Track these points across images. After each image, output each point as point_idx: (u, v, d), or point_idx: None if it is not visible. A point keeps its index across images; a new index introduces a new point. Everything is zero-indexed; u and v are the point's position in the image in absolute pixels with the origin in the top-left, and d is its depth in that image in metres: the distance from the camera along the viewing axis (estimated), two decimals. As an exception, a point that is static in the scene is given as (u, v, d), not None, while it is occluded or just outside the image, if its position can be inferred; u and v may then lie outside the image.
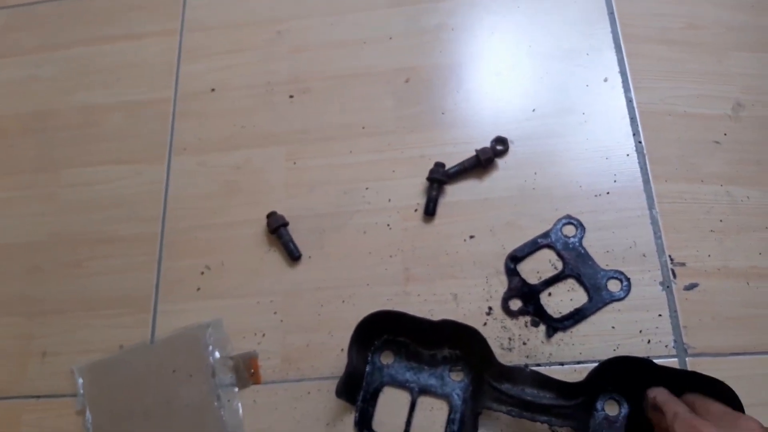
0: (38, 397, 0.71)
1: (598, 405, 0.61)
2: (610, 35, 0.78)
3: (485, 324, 0.67)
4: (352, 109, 0.80)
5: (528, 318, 0.66)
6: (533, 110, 0.76)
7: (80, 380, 0.70)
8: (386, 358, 0.67)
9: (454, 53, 0.81)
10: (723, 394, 0.55)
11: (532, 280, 0.68)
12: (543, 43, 0.79)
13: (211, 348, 0.69)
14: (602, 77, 0.77)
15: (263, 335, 0.70)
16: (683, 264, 0.67)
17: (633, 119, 0.74)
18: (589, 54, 0.78)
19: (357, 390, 0.65)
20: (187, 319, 0.72)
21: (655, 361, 0.58)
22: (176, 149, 0.81)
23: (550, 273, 0.68)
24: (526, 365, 0.64)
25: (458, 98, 0.78)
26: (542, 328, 0.66)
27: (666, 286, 0.66)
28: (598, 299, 0.66)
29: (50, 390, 0.71)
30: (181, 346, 0.70)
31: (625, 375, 0.59)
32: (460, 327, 0.62)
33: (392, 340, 0.67)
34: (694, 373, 0.57)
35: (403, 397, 0.65)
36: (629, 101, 0.75)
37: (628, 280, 0.66)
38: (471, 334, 0.62)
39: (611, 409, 0.61)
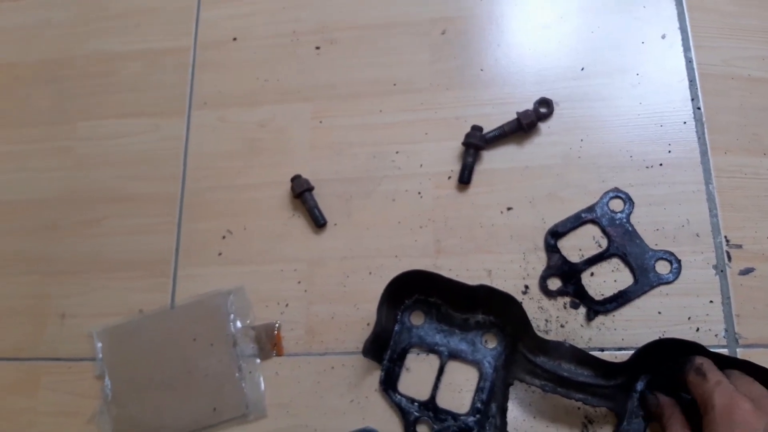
0: (57, 359, 0.70)
1: (638, 386, 0.59)
2: (671, -16, 0.71)
3: (521, 303, 0.63)
4: (382, 63, 0.75)
5: (567, 299, 0.63)
6: (582, 69, 0.71)
7: (99, 344, 0.69)
8: (416, 319, 0.65)
9: (495, 2, 0.75)
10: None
11: (574, 258, 0.64)
12: (596, -8, 0.73)
13: (232, 316, 0.67)
14: (660, 33, 0.70)
15: (286, 305, 0.67)
16: (740, 246, 0.62)
17: (692, 82, 0.68)
18: (646, 6, 0.72)
19: (384, 349, 0.63)
20: (207, 285, 0.70)
21: (704, 350, 0.55)
22: (196, 103, 0.77)
23: (593, 251, 0.64)
24: (565, 340, 0.61)
25: (499, 53, 0.73)
26: (582, 310, 0.62)
27: (720, 269, 0.62)
28: (644, 281, 0.62)
29: (69, 353, 0.70)
30: (201, 314, 0.68)
31: (670, 359, 0.56)
32: (496, 293, 0.60)
33: (424, 300, 0.65)
34: (747, 362, 0.54)
35: (431, 361, 0.63)
36: (689, 61, 0.69)
37: (679, 261, 0.62)
38: (508, 301, 0.60)
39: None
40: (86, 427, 0.67)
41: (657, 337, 0.60)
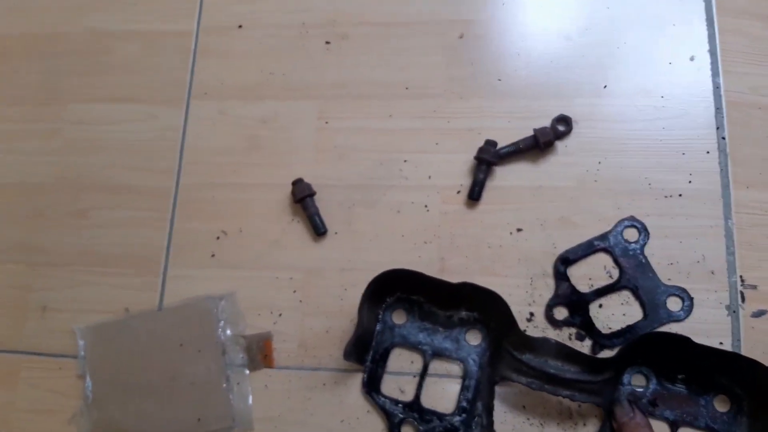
0: (38, 354, 0.69)
1: (625, 379, 0.60)
2: (702, 3, 0.70)
3: (525, 331, 0.63)
4: (395, 64, 0.73)
5: (573, 330, 0.62)
6: (604, 87, 0.69)
7: (82, 342, 0.68)
8: (398, 318, 0.64)
9: (518, 6, 0.73)
10: (763, 378, 0.54)
11: (583, 287, 0.63)
12: (625, 4, 0.71)
13: (222, 323, 0.66)
14: (689, 54, 0.69)
15: (280, 315, 0.66)
16: (755, 287, 0.61)
17: (719, 110, 0.67)
18: (676, 25, 0.70)
19: (366, 350, 0.63)
20: (198, 288, 0.68)
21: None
22: (196, 92, 0.75)
23: (603, 281, 0.63)
24: (551, 337, 0.61)
25: (518, 63, 0.71)
26: (588, 343, 0.62)
27: (732, 310, 0.61)
28: (654, 317, 0.61)
29: (50, 348, 0.69)
30: (190, 318, 0.67)
31: (660, 353, 0.58)
32: (480, 290, 0.60)
33: (406, 298, 0.64)
34: (734, 354, 0.56)
35: (415, 360, 0.63)
36: (716, 87, 0.68)
37: (691, 299, 0.61)
38: (492, 298, 0.60)
39: (638, 382, 0.60)
40: (65, 427, 0.67)
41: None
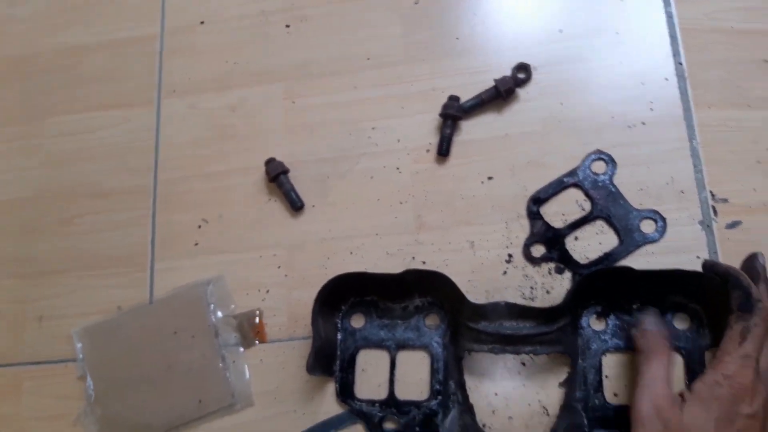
0: (38, 363, 0.74)
1: (583, 322, 0.63)
2: (648, -65, 0.75)
3: (505, 273, 0.67)
4: (354, 38, 0.78)
5: (552, 265, 0.66)
6: (560, 31, 0.74)
7: (79, 345, 0.73)
8: (357, 322, 0.68)
9: (468, -32, 0.78)
10: (709, 286, 0.58)
11: (557, 223, 0.67)
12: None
13: (212, 307, 0.71)
14: (638, -11, 0.73)
15: (267, 291, 0.71)
16: (725, 200, 0.65)
17: (673, 38, 0.71)
18: (623, -39, 0.75)
19: (332, 360, 0.67)
20: (186, 277, 0.73)
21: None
22: (165, 91, 0.81)
23: (576, 215, 0.67)
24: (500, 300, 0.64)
25: (475, 21, 0.76)
26: (568, 275, 0.66)
27: (706, 225, 0.65)
28: (629, 242, 0.65)
29: (49, 355, 0.74)
30: (181, 306, 0.72)
31: (607, 288, 0.62)
32: (424, 273, 0.63)
33: (359, 301, 0.68)
34: (678, 271, 0.59)
35: (381, 357, 0.67)
36: (669, 17, 0.72)
37: (664, 220, 0.65)
38: (437, 279, 0.63)
39: (598, 324, 0.63)
40: (72, 429, 0.71)
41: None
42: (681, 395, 0.54)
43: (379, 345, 0.67)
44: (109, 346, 0.73)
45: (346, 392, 0.66)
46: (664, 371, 0.57)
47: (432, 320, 0.67)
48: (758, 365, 0.53)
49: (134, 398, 0.70)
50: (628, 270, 0.60)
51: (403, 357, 0.67)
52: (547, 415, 0.63)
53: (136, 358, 0.72)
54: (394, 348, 0.66)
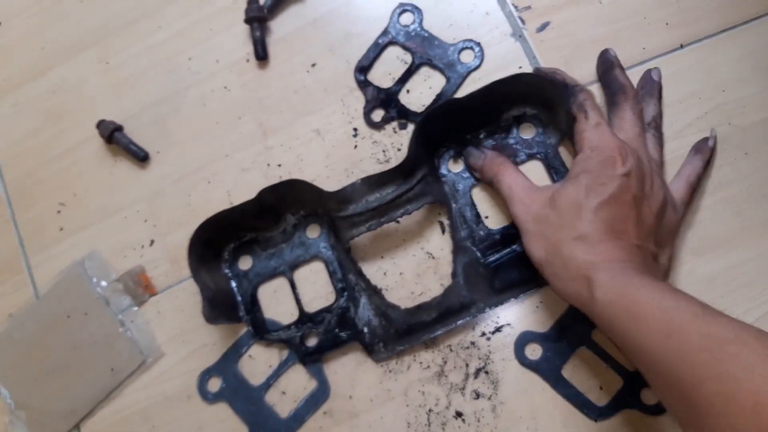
0: (-51, 395, 0.73)
1: (443, 170, 0.66)
2: None
3: (356, 146, 0.69)
4: (144, -19, 0.78)
5: (395, 123, 0.68)
6: None
7: (-18, 362, 0.72)
8: (245, 263, 0.68)
9: None
10: (534, 88, 0.62)
11: (387, 83, 0.69)
12: None
13: (95, 280, 0.71)
14: None
15: (142, 246, 0.72)
16: (528, 7, 0.68)
17: None
18: None
19: (235, 307, 0.67)
20: (62, 263, 0.73)
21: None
22: (-16, 98, 0.79)
23: (401, 70, 0.69)
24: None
25: (253, -75, 0.76)
26: (411, 126, 0.68)
27: (518, 35, 0.67)
28: (455, 76, 0.67)
29: (-43, 384, 0.73)
30: (65, 291, 0.72)
31: (449, 128, 0.64)
32: (276, 187, 0.63)
33: (239, 245, 0.68)
34: (497, 81, 0.61)
35: (281, 283, 0.68)
36: None
37: (479, 44, 0.67)
38: (291, 186, 0.64)
39: (456, 166, 0.66)
40: (5, 442, 0.71)
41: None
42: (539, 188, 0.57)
43: (273, 275, 0.68)
44: (13, 352, 0.72)
45: (259, 330, 0.66)
46: (517, 176, 0.60)
47: (312, 230, 0.68)
48: (613, 131, 0.57)
49: (52, 390, 0.70)
50: (452, 102, 0.62)
51: (300, 274, 0.67)
52: (433, 258, 0.65)
53: (41, 353, 0.71)
54: (289, 270, 0.67)
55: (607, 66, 0.62)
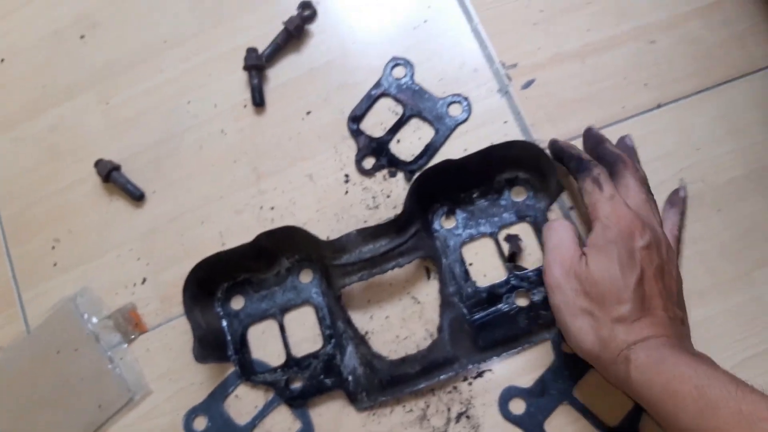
0: (-66, 427, 0.74)
1: (436, 226, 0.68)
2: None
3: (347, 192, 0.71)
4: (146, 27, 0.81)
5: (384, 171, 0.71)
6: (330, -37, 0.78)
7: (-29, 397, 0.73)
8: (237, 303, 0.70)
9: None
10: (528, 154, 0.64)
11: (378, 133, 0.72)
12: None
13: (86, 316, 0.72)
14: None
15: (134, 284, 0.73)
16: (515, 65, 0.71)
17: (431, -63, 0.76)
18: None
19: (224, 346, 0.69)
20: (55, 298, 0.74)
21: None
22: (-15, 134, 0.81)
23: (392, 120, 0.72)
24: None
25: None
26: (400, 175, 0.70)
27: (504, 91, 0.71)
28: (443, 128, 0.70)
29: (-57, 417, 0.74)
30: (56, 326, 0.73)
31: (443, 187, 0.67)
32: (274, 232, 0.66)
33: (232, 284, 0.70)
34: (490, 147, 0.65)
35: (270, 326, 0.69)
36: None
37: (467, 99, 0.71)
38: (287, 233, 0.66)
39: (448, 223, 0.68)
40: (-9, 479, 0.72)
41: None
42: (582, 254, 0.57)
43: (264, 316, 0.69)
44: (1, 385, 0.73)
45: (246, 371, 0.68)
46: (567, 233, 0.59)
47: (305, 275, 0.70)
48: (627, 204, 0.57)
49: (39, 424, 0.71)
50: (449, 162, 0.64)
51: (290, 318, 0.69)
52: (418, 303, 0.67)
53: (31, 387, 0.72)
54: (279, 313, 0.69)
55: (596, 140, 0.64)
